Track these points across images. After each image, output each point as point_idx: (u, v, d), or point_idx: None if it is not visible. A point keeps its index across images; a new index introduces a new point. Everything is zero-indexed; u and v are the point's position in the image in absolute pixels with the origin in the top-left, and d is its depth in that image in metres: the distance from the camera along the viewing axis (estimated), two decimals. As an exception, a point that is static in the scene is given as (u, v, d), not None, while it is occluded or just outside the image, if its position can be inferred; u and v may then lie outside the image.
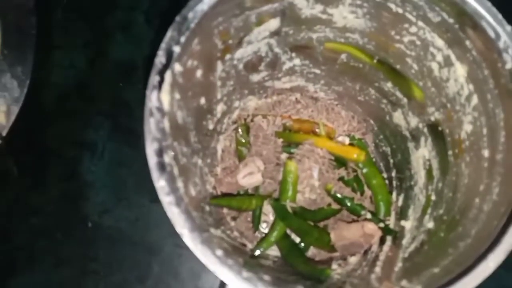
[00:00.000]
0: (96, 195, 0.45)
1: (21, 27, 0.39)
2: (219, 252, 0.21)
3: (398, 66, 0.32)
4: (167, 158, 0.22)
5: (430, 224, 0.29)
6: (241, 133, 0.40)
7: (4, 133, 0.37)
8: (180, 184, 0.23)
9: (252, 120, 0.40)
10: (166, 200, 0.21)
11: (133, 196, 0.45)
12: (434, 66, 0.29)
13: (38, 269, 0.43)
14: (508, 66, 0.23)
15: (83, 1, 0.50)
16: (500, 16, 0.24)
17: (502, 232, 0.21)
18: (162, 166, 0.22)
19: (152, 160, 0.22)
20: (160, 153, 0.22)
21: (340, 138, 0.39)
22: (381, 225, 0.35)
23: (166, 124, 0.23)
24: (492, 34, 0.24)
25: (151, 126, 0.22)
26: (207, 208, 0.32)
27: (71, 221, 0.44)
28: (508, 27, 0.24)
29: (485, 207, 0.24)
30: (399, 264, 0.28)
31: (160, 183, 0.21)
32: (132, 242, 0.44)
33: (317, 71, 0.37)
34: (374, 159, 0.40)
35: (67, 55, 0.48)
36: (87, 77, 0.48)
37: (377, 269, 0.30)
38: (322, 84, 0.39)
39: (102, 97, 0.47)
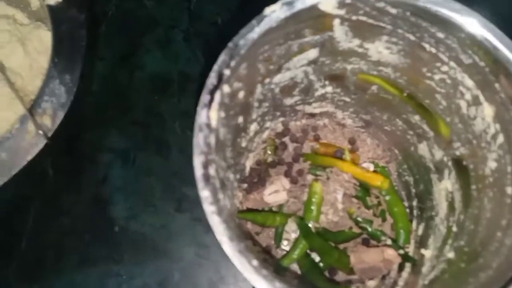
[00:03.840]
0: (124, 201, 0.47)
1: (72, 39, 0.42)
2: (255, 262, 0.22)
3: (427, 101, 0.34)
4: (212, 170, 0.24)
5: (450, 254, 0.30)
6: (269, 152, 0.42)
7: (49, 135, 0.39)
8: (220, 195, 0.24)
9: (281, 141, 0.42)
10: (210, 209, 0.23)
11: (160, 204, 0.47)
12: (462, 104, 0.30)
13: (64, 267, 0.45)
14: (534, 110, 0.25)
15: (127, 18, 0.53)
16: (529, 64, 0.25)
17: (523, 266, 0.23)
18: (207, 178, 0.23)
19: (198, 171, 0.23)
20: (206, 165, 0.24)
21: (365, 165, 0.40)
22: (401, 252, 0.36)
23: (212, 139, 0.25)
24: (521, 80, 0.25)
25: (200, 140, 0.24)
26: (236, 221, 0.33)
27: (99, 223, 0.46)
28: (536, 75, 0.25)
29: (507, 241, 0.25)
30: (419, 290, 0.29)
31: (205, 193, 0.23)
32: (155, 248, 0.45)
33: (347, 99, 0.39)
34: (396, 188, 0.41)
35: (109, 67, 0.51)
36: (125, 88, 0.50)
37: (396, 294, 0.31)
38: (351, 112, 0.41)
39: (137, 107, 0.50)
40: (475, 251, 0.27)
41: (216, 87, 0.25)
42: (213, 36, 0.53)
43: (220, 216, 0.23)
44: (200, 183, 0.23)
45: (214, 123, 0.25)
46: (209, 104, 0.24)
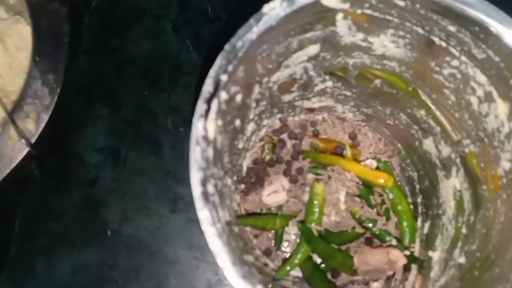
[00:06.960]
0: (117, 203, 0.45)
1: (53, 35, 0.39)
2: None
3: (434, 96, 0.32)
4: (211, 187, 0.22)
5: (461, 259, 0.29)
6: (267, 150, 0.40)
7: (33, 141, 0.37)
8: (220, 212, 0.23)
9: (279, 138, 0.40)
10: (210, 231, 0.21)
11: (154, 205, 0.45)
12: (473, 100, 0.29)
13: (56, 274, 0.43)
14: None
15: (111, 8, 0.50)
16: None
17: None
18: (206, 197, 0.21)
19: (196, 190, 0.21)
20: (204, 182, 0.22)
21: (368, 162, 0.39)
22: (406, 252, 0.35)
23: (210, 152, 0.23)
24: (540, 77, 0.23)
25: (197, 155, 0.22)
26: (236, 229, 0.31)
27: (91, 228, 0.44)
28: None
29: (525, 251, 0.24)
30: (429, 298, 0.28)
31: (204, 214, 0.21)
32: (151, 252, 0.44)
33: (348, 93, 0.37)
34: (399, 183, 0.40)
35: (94, 61, 0.48)
36: (113, 84, 0.48)
37: (405, 300, 0.30)
38: (351, 106, 0.39)
39: (127, 104, 0.47)
40: (488, 258, 0.26)
41: (213, 95, 0.23)
42: (204, 26, 0.50)
43: (221, 239, 0.21)
44: (198, 202, 0.21)
45: (211, 134, 0.23)
46: (205, 114, 0.22)
